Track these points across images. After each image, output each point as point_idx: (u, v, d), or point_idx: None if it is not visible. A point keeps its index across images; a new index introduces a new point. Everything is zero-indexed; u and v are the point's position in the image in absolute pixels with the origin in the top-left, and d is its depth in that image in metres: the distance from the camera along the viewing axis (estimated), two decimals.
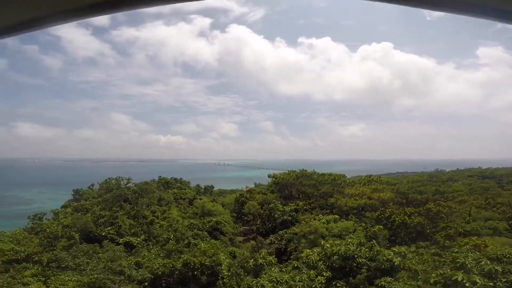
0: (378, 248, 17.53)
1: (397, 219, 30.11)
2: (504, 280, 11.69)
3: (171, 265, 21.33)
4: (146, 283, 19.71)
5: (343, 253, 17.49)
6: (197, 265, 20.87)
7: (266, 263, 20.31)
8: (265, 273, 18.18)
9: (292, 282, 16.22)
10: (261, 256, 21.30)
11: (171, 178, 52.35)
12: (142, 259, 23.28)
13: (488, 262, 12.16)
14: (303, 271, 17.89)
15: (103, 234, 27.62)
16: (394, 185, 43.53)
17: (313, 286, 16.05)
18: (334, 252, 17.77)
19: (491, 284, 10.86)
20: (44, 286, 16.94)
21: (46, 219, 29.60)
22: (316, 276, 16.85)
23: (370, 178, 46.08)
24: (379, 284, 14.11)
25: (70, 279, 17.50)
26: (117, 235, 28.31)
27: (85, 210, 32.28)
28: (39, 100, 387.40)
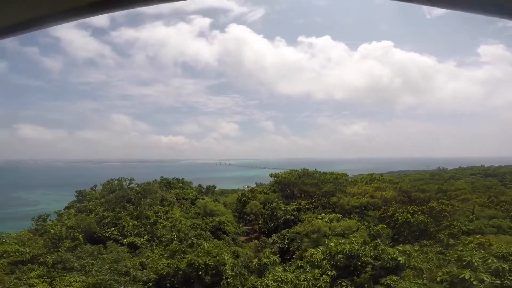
0: (383, 247, 17.52)
1: (400, 217, 30.03)
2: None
3: (175, 266, 21.38)
4: (150, 284, 19.77)
5: (347, 252, 17.50)
6: (201, 265, 20.91)
7: (270, 263, 20.33)
8: (269, 273, 18.20)
9: (297, 281, 16.23)
10: (265, 255, 21.33)
11: (173, 178, 52.40)
12: (146, 260, 23.34)
13: (495, 260, 12.13)
14: (307, 270, 17.90)
15: (107, 235, 27.71)
16: (397, 183, 43.46)
17: (318, 285, 16.06)
18: (338, 251, 17.78)
19: (499, 282, 10.84)
20: (50, 287, 17.03)
21: (50, 220, 29.74)
22: (321, 275, 16.85)
23: (372, 176, 46.03)
24: (385, 283, 14.11)
25: (75, 280, 17.56)
26: (121, 235, 28.40)
27: (89, 211, 32.41)
28: (40, 102, 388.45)
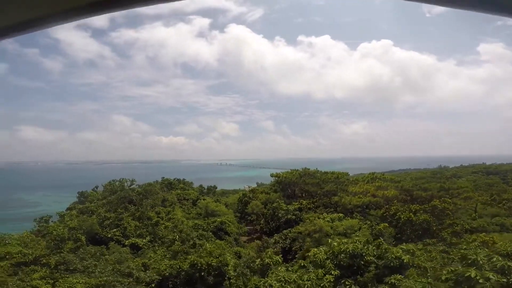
0: (386, 246, 17.45)
1: (402, 216, 29.96)
2: None
3: (178, 266, 21.35)
4: (153, 285, 19.75)
5: (351, 251, 17.43)
6: (204, 266, 20.89)
7: (272, 263, 20.27)
8: (272, 273, 18.14)
9: (300, 281, 16.15)
10: (268, 255, 21.26)
11: (174, 179, 52.41)
12: (149, 261, 23.32)
13: (500, 258, 12.07)
14: (310, 270, 17.83)
15: (109, 236, 27.69)
16: (398, 182, 43.32)
17: (321, 285, 15.99)
18: (341, 250, 17.72)
19: (505, 280, 10.79)
20: None
21: (52, 221, 29.75)
22: (324, 275, 16.78)
23: (374, 175, 45.94)
24: (389, 282, 14.05)
25: (78, 281, 17.54)
26: (123, 236, 28.38)
27: (90, 212, 32.41)
28: (41, 103, 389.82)
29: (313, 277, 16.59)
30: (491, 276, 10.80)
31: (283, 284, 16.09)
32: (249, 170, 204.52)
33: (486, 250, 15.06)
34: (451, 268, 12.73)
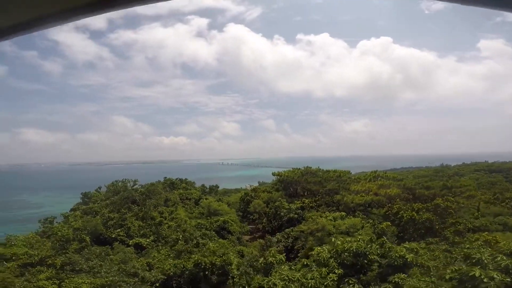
0: (390, 245, 17.50)
1: (405, 215, 29.93)
2: None
3: (182, 266, 21.50)
4: (157, 284, 19.90)
5: (354, 250, 17.49)
6: (207, 265, 21.00)
7: (276, 262, 20.36)
8: (276, 272, 18.23)
9: (304, 280, 16.25)
10: (271, 254, 21.36)
11: (176, 178, 52.63)
12: (153, 260, 23.49)
13: (504, 258, 12.09)
14: (313, 268, 17.91)
15: (113, 236, 27.90)
16: (401, 180, 43.23)
17: (325, 283, 16.08)
18: (345, 249, 17.79)
19: (509, 279, 10.81)
20: None
21: (56, 222, 30.02)
22: (328, 274, 16.86)
23: (376, 174, 45.87)
24: (393, 281, 14.11)
25: (83, 281, 17.72)
26: (127, 236, 28.59)
27: (94, 212, 32.65)
28: (42, 105, 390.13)
29: (317, 276, 16.68)
30: (495, 276, 10.82)
31: (286, 283, 16.18)
32: (250, 169, 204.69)
33: (489, 249, 15.07)
34: (455, 267, 12.75)
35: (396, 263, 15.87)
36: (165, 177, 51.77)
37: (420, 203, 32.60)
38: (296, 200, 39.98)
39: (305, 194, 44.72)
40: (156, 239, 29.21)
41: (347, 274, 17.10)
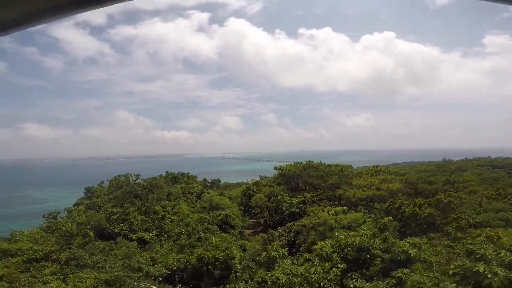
0: (393, 240, 17.48)
1: (407, 210, 29.91)
2: None
3: (185, 260, 21.70)
4: (161, 279, 20.11)
5: (357, 245, 17.49)
6: (210, 259, 21.18)
7: (278, 256, 20.46)
8: (279, 266, 18.31)
9: (307, 274, 16.30)
10: (274, 248, 21.44)
11: (178, 173, 52.76)
12: (156, 255, 23.72)
13: (508, 254, 12.05)
14: (315, 263, 17.98)
15: (116, 230, 28.14)
16: (403, 175, 43.09)
17: (328, 278, 16.14)
18: (348, 243, 17.80)
19: None
20: (64, 284, 17.38)
21: (60, 217, 30.26)
22: (331, 268, 16.92)
23: (378, 168, 45.73)
24: (396, 276, 14.13)
25: (88, 276, 17.90)
26: (130, 231, 28.83)
27: (97, 207, 32.87)
28: (44, 101, 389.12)
29: (320, 270, 16.72)
30: (499, 271, 10.78)
31: (290, 277, 16.23)
32: (252, 163, 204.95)
33: (491, 245, 15.02)
34: (459, 262, 12.73)
35: (399, 258, 15.88)
36: (167, 171, 51.92)
37: (422, 198, 32.55)
38: (298, 194, 40.00)
39: (307, 188, 44.70)
40: (159, 233, 29.44)
41: (350, 269, 17.14)
